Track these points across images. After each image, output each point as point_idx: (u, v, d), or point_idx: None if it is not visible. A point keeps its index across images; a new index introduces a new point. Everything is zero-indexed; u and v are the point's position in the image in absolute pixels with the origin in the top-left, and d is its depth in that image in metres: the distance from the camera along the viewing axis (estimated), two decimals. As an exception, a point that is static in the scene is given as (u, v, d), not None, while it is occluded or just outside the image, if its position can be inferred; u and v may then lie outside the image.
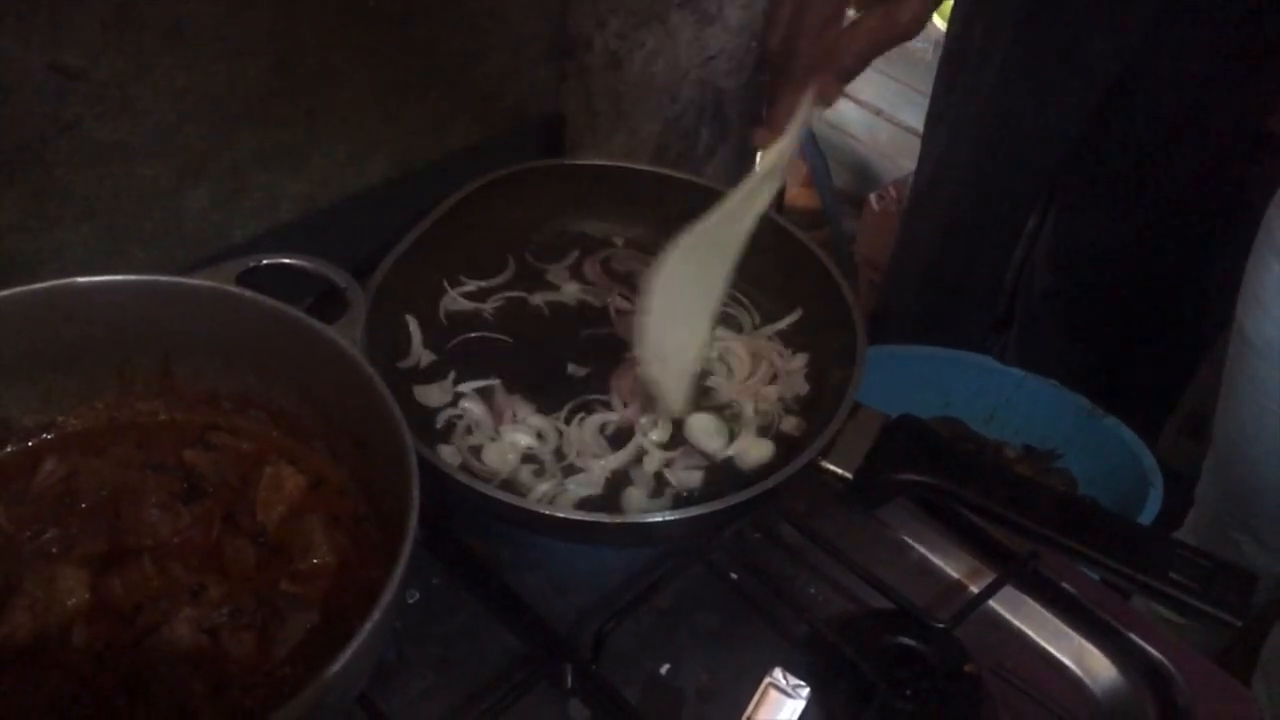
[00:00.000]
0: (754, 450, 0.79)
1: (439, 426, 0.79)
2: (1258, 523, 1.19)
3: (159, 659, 0.57)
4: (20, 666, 0.58)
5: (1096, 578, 0.75)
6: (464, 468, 0.75)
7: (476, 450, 0.77)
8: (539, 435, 0.78)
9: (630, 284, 0.90)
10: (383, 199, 0.89)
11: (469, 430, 0.79)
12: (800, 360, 0.86)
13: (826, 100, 0.67)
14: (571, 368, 0.84)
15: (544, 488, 0.75)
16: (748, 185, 0.72)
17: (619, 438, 0.80)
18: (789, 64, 0.65)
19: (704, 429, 0.80)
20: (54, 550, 0.63)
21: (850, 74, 0.66)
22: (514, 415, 0.79)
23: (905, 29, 0.63)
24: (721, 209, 0.72)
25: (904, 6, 0.62)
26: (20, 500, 0.65)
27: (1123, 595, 0.77)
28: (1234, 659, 1.33)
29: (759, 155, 0.72)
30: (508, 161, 0.90)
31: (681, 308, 0.75)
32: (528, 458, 0.77)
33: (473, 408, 0.79)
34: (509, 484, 0.75)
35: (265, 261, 0.70)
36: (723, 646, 0.73)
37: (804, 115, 0.67)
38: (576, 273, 0.92)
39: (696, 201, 0.91)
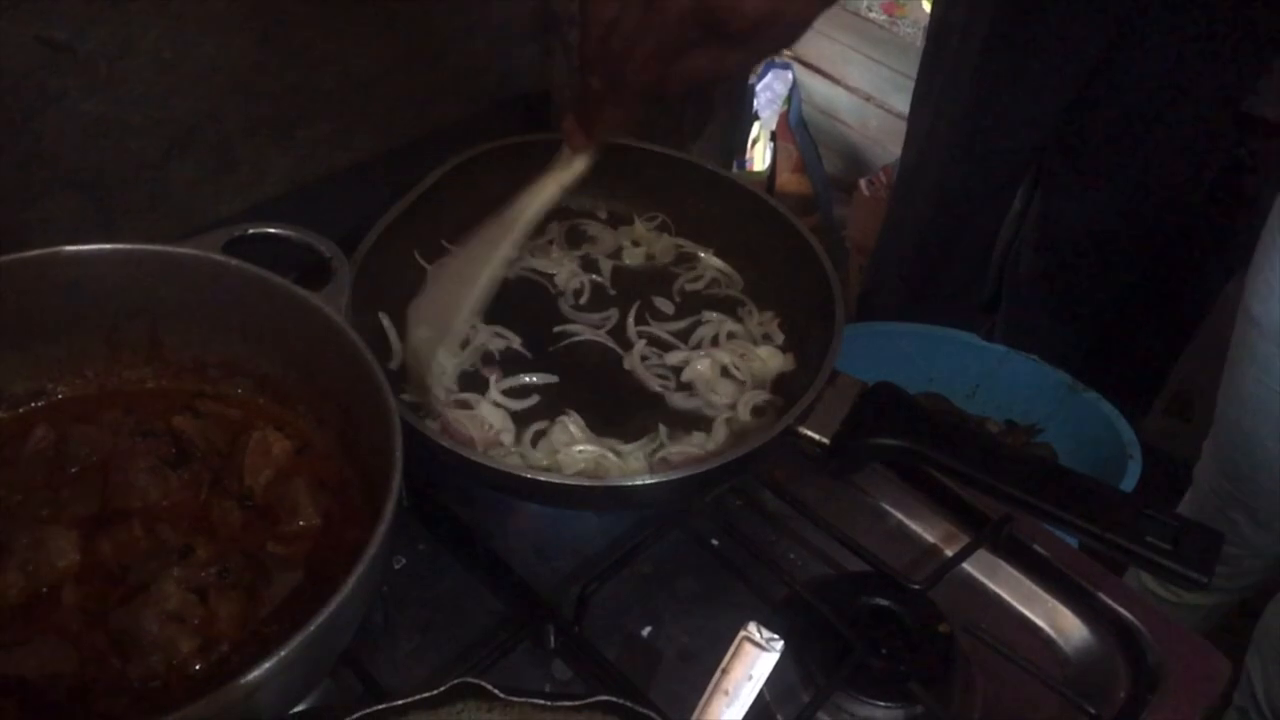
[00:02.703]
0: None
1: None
2: (1257, 502, 1.21)
3: (147, 617, 0.58)
4: (12, 625, 0.59)
5: (1075, 543, 0.76)
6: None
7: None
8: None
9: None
10: (368, 174, 0.90)
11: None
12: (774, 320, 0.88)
13: (627, 120, 0.66)
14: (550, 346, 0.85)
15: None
16: (537, 187, 0.74)
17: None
18: (618, 77, 0.62)
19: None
20: (45, 513, 0.64)
21: (668, 100, 0.65)
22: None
23: (735, 67, 0.62)
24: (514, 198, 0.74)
25: (734, 53, 0.60)
26: (11, 465, 0.66)
27: (1115, 569, 0.78)
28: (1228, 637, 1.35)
29: (563, 154, 0.72)
30: (492, 137, 0.90)
31: (453, 295, 0.76)
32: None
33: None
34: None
35: (251, 231, 0.71)
36: (703, 609, 0.74)
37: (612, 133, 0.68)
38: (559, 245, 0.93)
39: (678, 175, 0.93)
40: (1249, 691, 1.24)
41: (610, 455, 0.76)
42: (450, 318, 0.76)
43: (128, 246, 0.67)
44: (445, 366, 0.80)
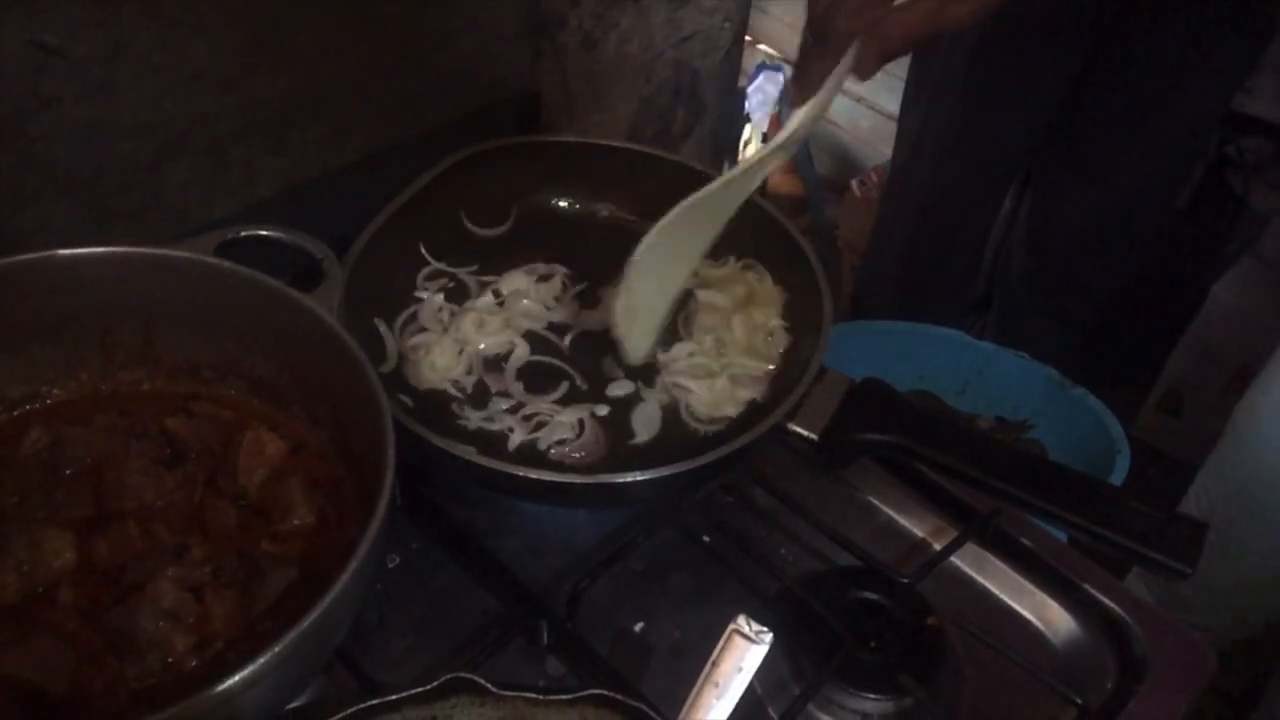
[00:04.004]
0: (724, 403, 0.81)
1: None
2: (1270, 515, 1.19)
3: (143, 616, 0.59)
4: (9, 625, 0.59)
5: (1064, 538, 0.77)
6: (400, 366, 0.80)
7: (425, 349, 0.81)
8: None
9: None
10: (360, 176, 0.91)
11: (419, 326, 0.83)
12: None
13: (862, 74, 0.66)
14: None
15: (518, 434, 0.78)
16: (761, 153, 0.73)
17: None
18: (828, 31, 0.65)
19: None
20: (40, 514, 0.64)
21: (891, 55, 0.65)
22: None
23: (956, 23, 0.63)
24: (726, 177, 0.74)
25: (955, 5, 0.61)
26: (6, 468, 0.66)
27: (1116, 570, 0.78)
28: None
29: (793, 114, 0.72)
30: (484, 139, 0.91)
31: (663, 269, 0.77)
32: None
33: (432, 299, 0.85)
34: (454, 387, 0.80)
35: (244, 233, 0.72)
36: (695, 605, 0.75)
37: (836, 84, 0.68)
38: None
39: (669, 178, 0.94)
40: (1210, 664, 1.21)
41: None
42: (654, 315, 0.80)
43: (121, 249, 0.68)
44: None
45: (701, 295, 0.88)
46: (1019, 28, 1.45)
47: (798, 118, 0.71)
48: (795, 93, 0.70)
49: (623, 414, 0.81)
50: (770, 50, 2.48)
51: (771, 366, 0.83)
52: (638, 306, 0.79)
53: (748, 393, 0.81)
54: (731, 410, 0.80)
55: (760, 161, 0.73)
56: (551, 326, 0.87)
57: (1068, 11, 1.43)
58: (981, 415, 1.38)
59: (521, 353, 0.84)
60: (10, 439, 0.68)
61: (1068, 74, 1.49)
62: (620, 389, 0.82)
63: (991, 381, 1.37)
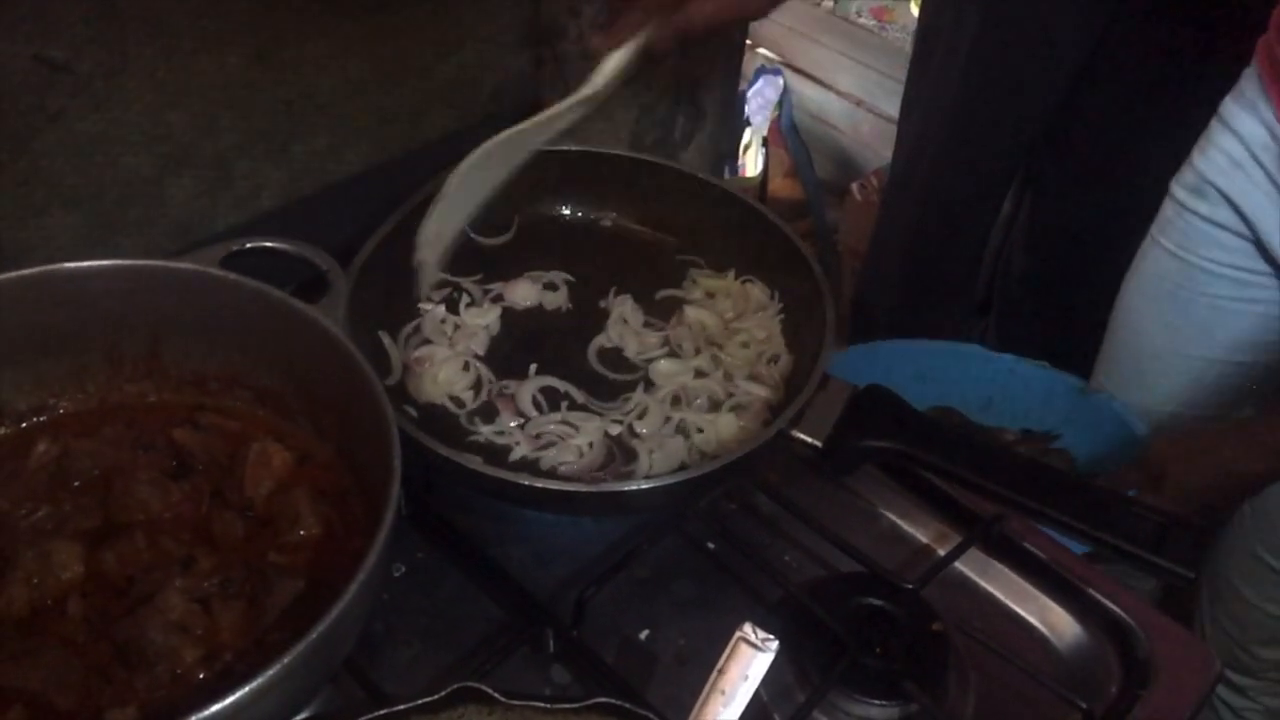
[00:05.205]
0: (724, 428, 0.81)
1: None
2: None
3: (152, 628, 0.59)
4: (18, 637, 0.60)
5: (1081, 551, 0.77)
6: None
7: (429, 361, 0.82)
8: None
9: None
10: (363, 187, 0.91)
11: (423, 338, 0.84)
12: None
13: (659, 46, 0.72)
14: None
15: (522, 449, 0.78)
16: (571, 99, 0.77)
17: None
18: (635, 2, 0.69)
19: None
20: (49, 527, 0.65)
21: (690, 35, 0.71)
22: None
23: (755, 9, 0.66)
24: (541, 116, 0.78)
25: None
26: (15, 480, 0.67)
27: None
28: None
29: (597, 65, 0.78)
30: (485, 149, 0.92)
31: (464, 201, 0.79)
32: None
33: (435, 311, 0.85)
34: (455, 403, 0.81)
35: (249, 245, 0.72)
36: (700, 613, 0.75)
37: (638, 47, 0.74)
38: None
39: (671, 185, 0.95)
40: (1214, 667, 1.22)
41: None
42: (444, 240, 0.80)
43: (127, 262, 0.69)
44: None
45: (690, 311, 0.89)
46: (1016, 29, 1.46)
47: (605, 70, 0.76)
48: (600, 41, 0.75)
49: (629, 436, 0.81)
50: (769, 54, 2.49)
51: (773, 395, 0.83)
52: (443, 230, 0.80)
53: (752, 423, 0.81)
54: (735, 444, 0.79)
55: (569, 108, 0.78)
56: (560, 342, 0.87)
57: (1064, 14, 1.43)
58: (1007, 429, 1.36)
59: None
60: (18, 451, 0.68)
61: (1065, 75, 1.50)
62: (626, 411, 0.82)
63: (1015, 393, 1.33)
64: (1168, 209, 1.17)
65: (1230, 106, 1.07)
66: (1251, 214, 1.05)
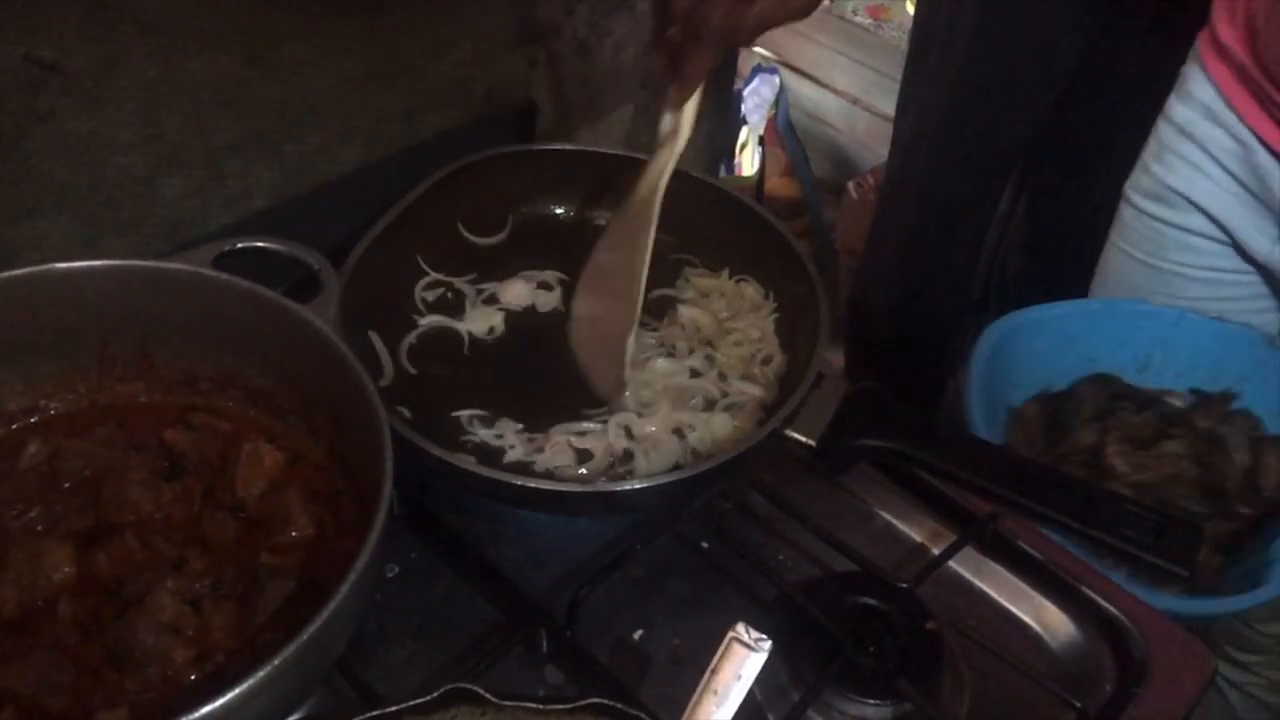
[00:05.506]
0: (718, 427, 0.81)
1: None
2: None
3: (143, 629, 0.59)
4: (8, 639, 0.59)
5: (1081, 554, 0.77)
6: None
7: None
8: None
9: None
10: (355, 186, 0.91)
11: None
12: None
13: (713, 67, 0.72)
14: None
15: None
16: (662, 153, 0.78)
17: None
18: (699, 29, 0.69)
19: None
20: (39, 528, 0.64)
21: (742, 45, 0.71)
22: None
23: (798, 10, 0.69)
24: (638, 185, 0.78)
25: None
26: (5, 481, 0.67)
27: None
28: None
29: (666, 117, 0.78)
30: (479, 149, 0.91)
31: (609, 291, 0.78)
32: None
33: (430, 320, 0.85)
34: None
35: (240, 245, 0.72)
36: (694, 612, 0.75)
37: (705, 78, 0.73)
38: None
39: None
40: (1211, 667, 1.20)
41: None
42: (616, 340, 0.80)
43: (118, 262, 0.68)
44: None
45: (684, 311, 0.88)
46: (1012, 28, 1.46)
47: (688, 116, 0.76)
48: (678, 93, 0.75)
49: (624, 436, 0.80)
50: (765, 53, 2.49)
51: (767, 395, 0.83)
52: (596, 333, 0.80)
53: (746, 422, 0.81)
54: (730, 444, 0.78)
55: (666, 163, 0.78)
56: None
57: (1061, 12, 1.43)
58: (1172, 390, 1.18)
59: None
60: (9, 452, 0.68)
61: (1061, 73, 1.49)
62: (620, 419, 0.81)
63: (1179, 350, 1.16)
64: (1125, 213, 1.14)
65: (1179, 109, 1.04)
66: (1225, 219, 1.03)
